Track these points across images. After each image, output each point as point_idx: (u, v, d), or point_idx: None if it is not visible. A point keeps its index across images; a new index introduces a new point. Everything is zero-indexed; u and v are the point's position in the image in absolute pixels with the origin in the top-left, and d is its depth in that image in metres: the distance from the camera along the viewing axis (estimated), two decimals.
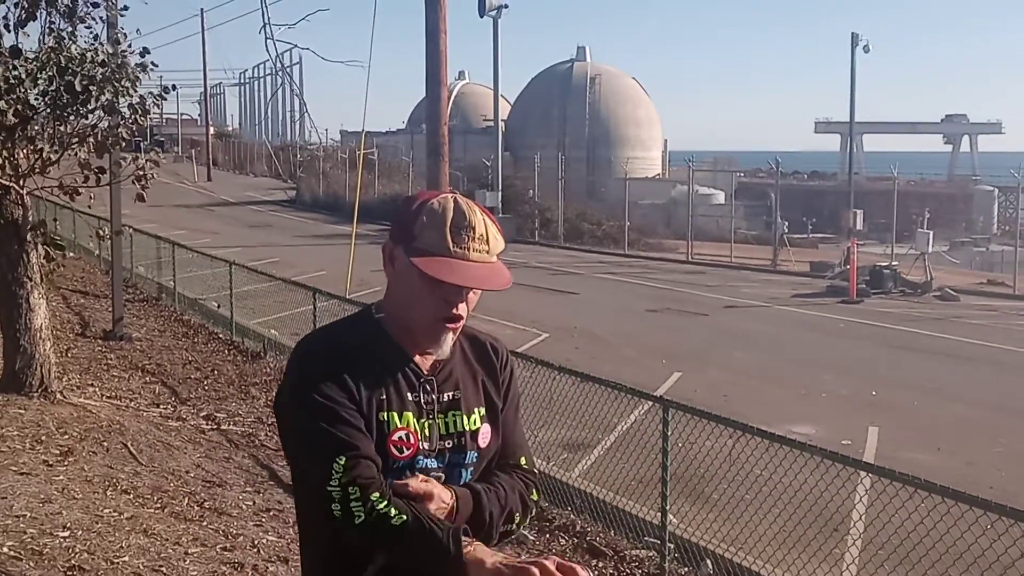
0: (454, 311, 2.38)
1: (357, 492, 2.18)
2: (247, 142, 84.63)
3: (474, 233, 2.34)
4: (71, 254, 22.17)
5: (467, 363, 2.56)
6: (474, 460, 2.49)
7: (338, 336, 2.45)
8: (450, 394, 2.47)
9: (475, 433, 2.49)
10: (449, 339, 2.42)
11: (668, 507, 7.40)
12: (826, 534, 7.04)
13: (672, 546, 7.41)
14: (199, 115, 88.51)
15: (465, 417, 2.48)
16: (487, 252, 2.36)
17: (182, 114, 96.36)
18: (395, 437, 2.34)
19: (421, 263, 2.30)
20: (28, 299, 8.61)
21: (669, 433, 7.32)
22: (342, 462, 2.20)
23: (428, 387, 2.43)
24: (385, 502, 2.19)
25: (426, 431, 2.40)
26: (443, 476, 2.40)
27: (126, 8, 8.77)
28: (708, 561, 7.26)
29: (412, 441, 2.36)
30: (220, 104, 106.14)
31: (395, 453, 2.33)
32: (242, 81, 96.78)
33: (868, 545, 7.41)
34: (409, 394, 2.39)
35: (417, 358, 2.45)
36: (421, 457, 2.37)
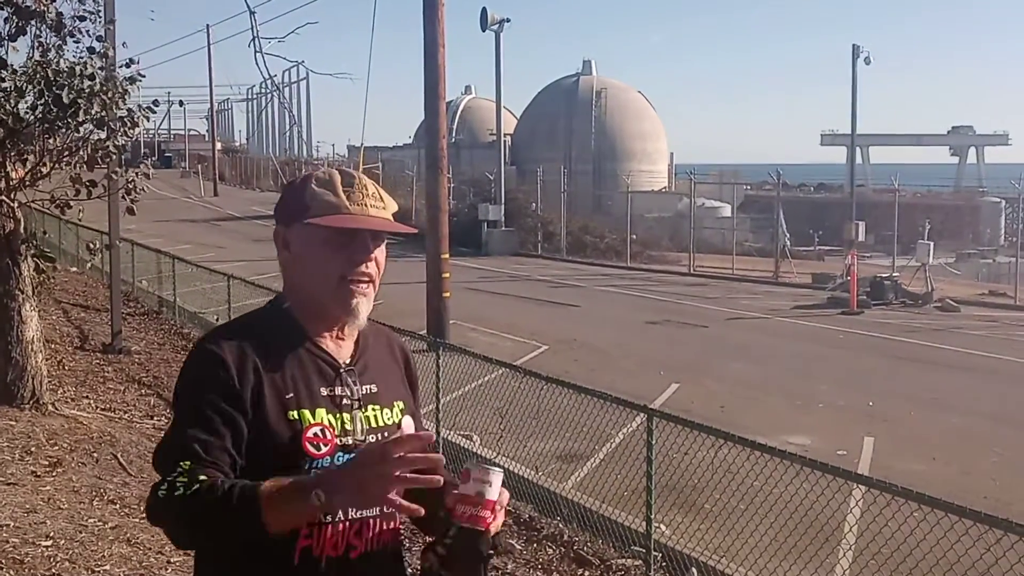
0: (362, 268, 2.33)
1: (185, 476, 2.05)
2: (254, 157, 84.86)
3: (367, 191, 2.35)
4: (73, 268, 22.27)
5: (386, 355, 2.52)
6: None
7: (243, 331, 2.32)
8: (369, 387, 2.38)
9: (398, 427, 2.40)
10: (362, 303, 2.34)
11: (653, 516, 7.39)
12: (818, 544, 7.01)
13: (659, 555, 7.41)
14: (207, 130, 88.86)
15: (388, 411, 2.40)
16: (383, 208, 2.36)
17: (190, 130, 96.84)
18: (310, 434, 2.23)
19: (322, 220, 2.28)
20: (20, 311, 8.67)
21: (654, 442, 7.34)
22: (186, 466, 2.07)
23: (347, 379, 2.34)
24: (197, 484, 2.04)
25: (346, 425, 2.29)
26: None
27: (113, 21, 8.83)
28: (693, 569, 7.26)
29: (329, 437, 2.25)
30: (228, 119, 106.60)
31: (311, 451, 2.22)
32: (249, 97, 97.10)
33: (860, 555, 7.37)
34: (323, 389, 2.29)
35: (332, 348, 2.37)
36: (341, 453, 2.25)
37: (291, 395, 2.24)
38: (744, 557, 7.12)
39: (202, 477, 2.04)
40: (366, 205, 2.33)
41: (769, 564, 6.88)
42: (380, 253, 2.38)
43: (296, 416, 2.23)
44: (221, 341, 2.25)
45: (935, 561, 5.86)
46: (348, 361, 2.39)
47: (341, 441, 2.27)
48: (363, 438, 2.32)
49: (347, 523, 2.26)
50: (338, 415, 2.29)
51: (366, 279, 2.34)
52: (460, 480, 2.17)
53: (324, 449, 2.24)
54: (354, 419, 2.32)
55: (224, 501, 1.99)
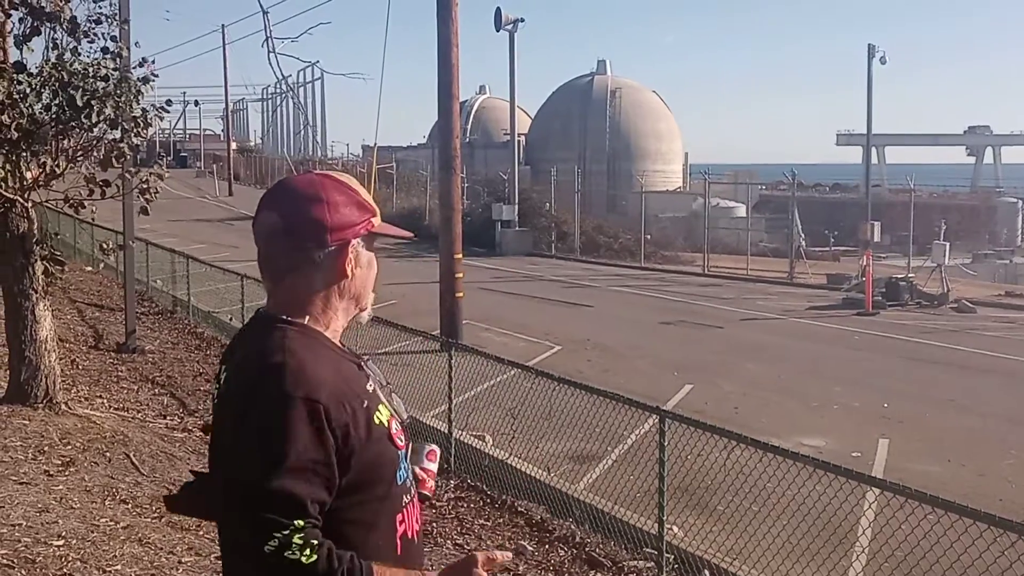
0: None
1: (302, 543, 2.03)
2: (268, 157, 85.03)
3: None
4: (88, 268, 22.37)
5: None
6: None
7: (317, 367, 2.15)
8: None
9: None
10: None
11: (666, 518, 7.37)
12: (832, 546, 6.98)
13: (671, 557, 7.38)
14: (222, 130, 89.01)
15: None
16: None
17: (205, 129, 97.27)
18: (392, 428, 2.28)
19: (387, 229, 2.39)
20: (33, 311, 8.69)
21: (666, 444, 7.31)
22: (299, 525, 2.02)
23: (368, 368, 2.36)
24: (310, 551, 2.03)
25: (394, 406, 2.36)
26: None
27: (127, 22, 8.85)
28: (706, 572, 7.23)
29: (399, 428, 2.32)
30: (243, 119, 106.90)
31: (398, 444, 2.29)
32: (264, 96, 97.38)
33: (874, 557, 7.32)
34: (368, 386, 2.27)
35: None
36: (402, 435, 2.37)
37: (365, 403, 2.22)
38: (757, 559, 7.09)
39: (314, 542, 2.03)
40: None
41: (782, 567, 6.84)
42: None
43: (378, 420, 2.24)
44: (312, 390, 2.10)
45: (949, 564, 5.82)
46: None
47: (398, 426, 2.34)
48: (405, 416, 2.41)
49: (414, 500, 2.39)
50: (383, 402, 2.32)
51: None
52: (429, 460, 2.53)
53: (404, 439, 2.34)
54: (392, 400, 2.38)
55: None
